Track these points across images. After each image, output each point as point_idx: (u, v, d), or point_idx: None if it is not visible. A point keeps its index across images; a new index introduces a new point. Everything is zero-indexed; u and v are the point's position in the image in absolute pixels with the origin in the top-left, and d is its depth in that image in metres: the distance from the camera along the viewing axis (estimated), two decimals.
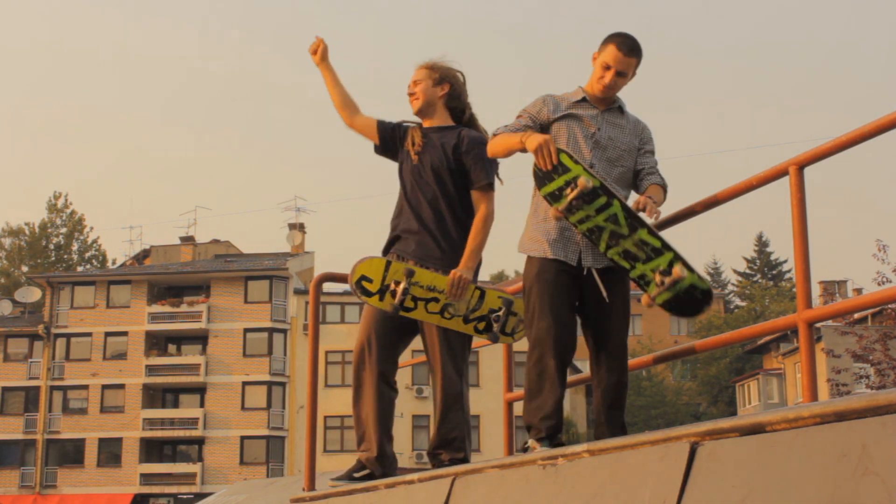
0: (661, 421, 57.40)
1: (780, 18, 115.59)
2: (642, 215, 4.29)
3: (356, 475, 4.81)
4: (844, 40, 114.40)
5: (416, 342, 5.03)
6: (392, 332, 4.88)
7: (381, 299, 4.69)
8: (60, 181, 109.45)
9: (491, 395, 39.18)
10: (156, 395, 49.45)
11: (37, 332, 49.49)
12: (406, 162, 5.04)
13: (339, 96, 5.25)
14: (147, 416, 47.96)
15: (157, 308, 49.10)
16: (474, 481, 3.71)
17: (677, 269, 4.17)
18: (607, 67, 4.42)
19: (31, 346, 50.07)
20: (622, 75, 4.43)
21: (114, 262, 65.42)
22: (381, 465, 4.83)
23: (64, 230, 66.08)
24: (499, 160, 4.91)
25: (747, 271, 77.77)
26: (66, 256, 65.55)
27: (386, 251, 5.02)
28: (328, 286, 6.42)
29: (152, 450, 48.68)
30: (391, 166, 5.21)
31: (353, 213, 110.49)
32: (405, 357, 5.26)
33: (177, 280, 50.28)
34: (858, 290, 49.91)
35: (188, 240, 56.02)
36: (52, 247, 65.63)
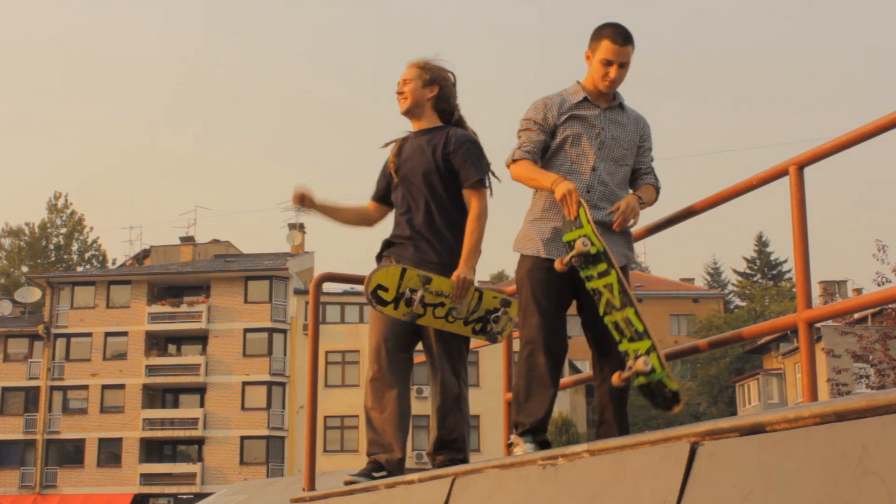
0: (661, 421, 57.34)
1: (780, 18, 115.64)
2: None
3: (375, 475, 4.72)
4: (844, 40, 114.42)
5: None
6: (404, 335, 4.87)
7: (395, 308, 4.66)
8: (60, 181, 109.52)
9: (491, 395, 39.17)
10: (156, 396, 49.45)
11: (37, 332, 49.49)
12: (394, 180, 5.03)
13: (349, 220, 5.23)
14: (147, 416, 47.95)
15: (157, 308, 49.10)
16: (474, 481, 3.71)
17: (640, 363, 4.10)
18: (608, 63, 4.38)
19: (31, 347, 50.07)
20: (624, 66, 4.39)
21: (114, 263, 65.45)
22: (401, 468, 4.81)
23: (64, 230, 66.10)
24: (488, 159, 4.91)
25: (747, 271, 77.75)
26: (66, 256, 65.56)
27: (380, 257, 5.00)
28: (328, 286, 6.43)
29: (152, 450, 48.68)
30: None
31: None
32: None
33: (177, 280, 50.27)
34: (858, 290, 49.92)
35: (188, 240, 56.02)
36: (52, 247, 65.64)
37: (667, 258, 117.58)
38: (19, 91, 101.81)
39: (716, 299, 70.90)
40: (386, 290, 4.65)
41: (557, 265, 4.20)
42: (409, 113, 5.03)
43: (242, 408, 47.74)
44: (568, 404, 49.53)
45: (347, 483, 4.79)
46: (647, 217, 4.93)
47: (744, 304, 72.25)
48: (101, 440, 48.12)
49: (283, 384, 48.20)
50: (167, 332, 49.24)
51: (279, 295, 48.85)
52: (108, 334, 49.18)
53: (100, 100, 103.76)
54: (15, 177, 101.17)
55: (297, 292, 48.65)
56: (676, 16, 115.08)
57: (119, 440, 47.99)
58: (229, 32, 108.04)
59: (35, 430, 48.85)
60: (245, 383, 47.95)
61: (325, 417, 44.59)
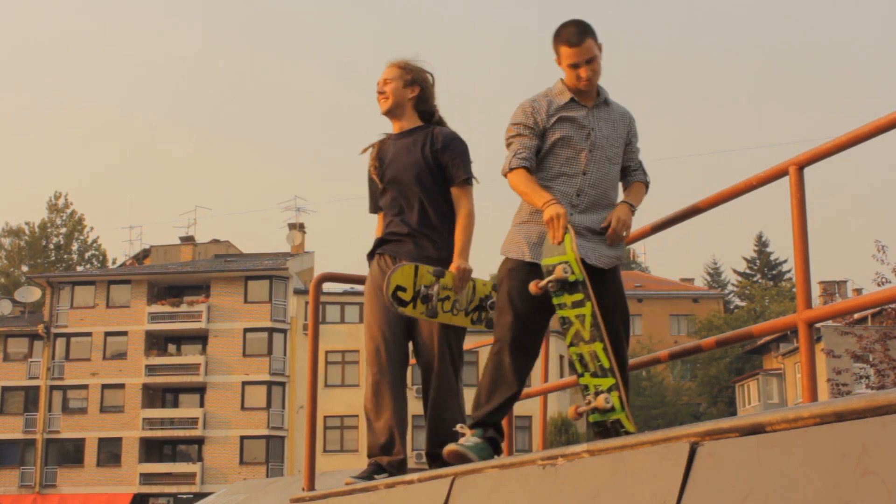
0: (661, 421, 57.37)
1: (780, 19, 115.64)
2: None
3: (377, 478, 4.71)
4: (844, 40, 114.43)
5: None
6: (401, 336, 4.86)
7: (414, 307, 4.64)
8: (60, 181, 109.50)
9: None
10: (155, 395, 49.45)
11: (37, 331, 49.50)
12: (381, 184, 5.01)
13: None
14: (147, 415, 47.96)
15: (156, 308, 49.11)
16: (474, 481, 3.71)
17: (600, 400, 4.05)
18: (575, 66, 4.32)
19: (30, 346, 50.09)
20: (591, 61, 4.32)
21: (114, 262, 65.46)
22: (403, 468, 4.80)
23: (64, 230, 66.11)
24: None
25: (747, 271, 77.74)
26: (65, 256, 65.58)
27: (372, 255, 5.00)
28: (328, 286, 6.43)
29: (152, 449, 48.69)
30: None
31: (353, 213, 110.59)
32: None
33: (177, 280, 50.29)
34: (858, 291, 49.93)
35: (188, 240, 56.04)
36: (52, 247, 65.66)
37: (667, 258, 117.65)
38: (19, 91, 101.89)
39: (716, 299, 70.95)
40: (404, 290, 4.62)
41: (532, 288, 4.13)
42: (390, 113, 5.03)
43: (242, 408, 47.75)
44: (568, 404, 49.49)
45: (348, 485, 4.79)
46: (648, 217, 4.94)
47: (744, 304, 72.25)
48: (100, 440, 48.13)
49: (282, 384, 48.21)
50: (167, 331, 49.24)
51: (279, 295, 48.86)
52: (107, 334, 49.20)
53: (100, 100, 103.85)
54: (15, 177, 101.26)
55: (297, 292, 48.66)
56: (676, 16, 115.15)
57: (119, 440, 48.00)
58: (229, 32, 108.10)
59: (35, 429, 48.86)
60: (245, 383, 47.96)
61: (325, 417, 44.60)
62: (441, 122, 5.07)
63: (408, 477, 4.31)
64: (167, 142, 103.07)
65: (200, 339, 49.17)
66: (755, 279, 76.16)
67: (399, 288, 4.61)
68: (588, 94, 4.40)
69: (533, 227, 4.32)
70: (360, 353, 45.79)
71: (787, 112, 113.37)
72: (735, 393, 55.51)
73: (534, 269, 4.23)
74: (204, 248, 56.18)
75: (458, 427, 4.32)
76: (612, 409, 4.05)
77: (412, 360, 5.03)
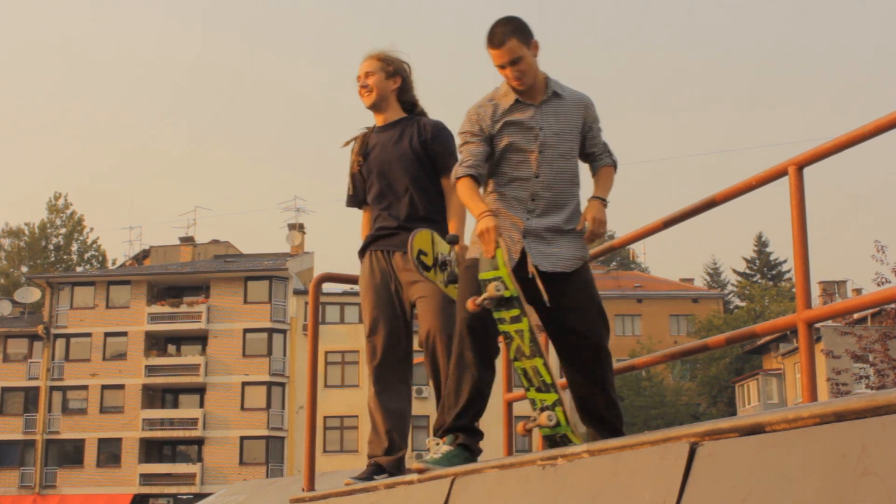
0: (661, 421, 57.35)
1: (780, 19, 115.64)
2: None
3: (377, 479, 4.69)
4: (845, 40, 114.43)
5: (414, 341, 4.98)
6: (403, 335, 4.85)
7: (436, 274, 4.54)
8: (60, 181, 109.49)
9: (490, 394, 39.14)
10: (155, 396, 49.44)
11: (36, 332, 49.49)
12: (366, 179, 4.98)
13: None
14: (147, 416, 47.95)
15: (156, 308, 49.10)
16: (474, 481, 3.71)
17: (543, 418, 4.02)
18: (502, 67, 4.21)
19: (30, 347, 50.07)
20: (516, 62, 4.16)
21: (113, 263, 65.45)
22: (401, 467, 4.79)
23: (63, 230, 66.09)
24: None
25: (747, 271, 77.73)
26: (65, 257, 65.55)
27: (363, 252, 4.97)
28: (328, 286, 6.41)
29: (152, 450, 48.67)
30: None
31: (352, 214, 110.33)
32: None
33: (176, 280, 50.27)
34: (858, 291, 49.91)
35: (188, 240, 56.05)
36: (51, 247, 65.63)
37: (666, 258, 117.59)
38: (19, 91, 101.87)
39: (715, 299, 70.91)
40: (426, 254, 4.54)
41: (470, 305, 4.05)
42: (375, 107, 4.99)
43: (242, 408, 47.74)
44: (567, 404, 49.48)
45: (348, 485, 4.78)
46: (648, 217, 4.94)
47: (743, 304, 72.25)
48: (100, 440, 48.11)
49: (282, 384, 48.19)
50: (167, 332, 49.23)
51: (279, 295, 48.86)
52: (107, 334, 49.18)
53: (100, 100, 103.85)
54: (15, 177, 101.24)
55: (297, 292, 48.64)
56: (676, 16, 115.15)
57: (119, 440, 47.98)
58: (229, 32, 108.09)
59: (35, 430, 48.84)
60: (245, 383, 47.95)
61: (325, 418, 44.59)
62: (423, 113, 5.05)
63: (408, 477, 4.30)
64: (167, 142, 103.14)
65: (200, 339, 49.15)
66: (755, 279, 76.15)
67: (422, 252, 4.52)
68: (532, 92, 4.25)
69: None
70: (359, 354, 45.78)
71: (787, 112, 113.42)
72: (735, 393, 55.50)
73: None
74: (204, 249, 56.18)
75: (428, 441, 4.21)
76: (558, 425, 4.02)
77: (417, 360, 5.00)
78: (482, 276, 4.06)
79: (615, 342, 65.28)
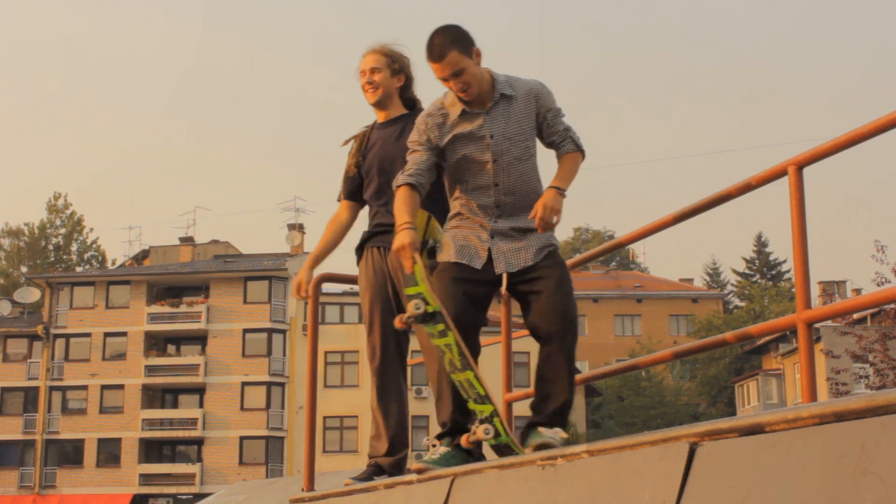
0: (661, 421, 57.39)
1: (780, 19, 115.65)
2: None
3: (376, 479, 4.68)
4: (844, 40, 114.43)
5: (413, 342, 4.97)
6: (402, 335, 4.85)
7: (421, 254, 4.42)
8: (60, 181, 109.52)
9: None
10: (155, 396, 49.45)
11: (36, 332, 49.49)
12: (365, 175, 4.97)
13: (338, 243, 5.13)
14: (146, 416, 47.96)
15: (156, 308, 49.11)
16: (473, 481, 3.71)
17: (480, 432, 3.99)
18: (445, 80, 4.15)
19: (30, 347, 50.08)
20: (459, 74, 4.09)
21: (113, 263, 65.48)
22: (402, 468, 4.79)
23: (63, 230, 66.10)
24: None
25: (746, 271, 77.77)
26: (65, 257, 65.58)
27: (360, 248, 4.96)
28: (327, 286, 6.39)
29: (151, 450, 48.68)
30: None
31: None
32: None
33: (176, 280, 50.28)
34: (857, 291, 49.94)
35: (187, 240, 56.05)
36: (51, 247, 65.65)
37: (666, 258, 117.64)
38: (19, 91, 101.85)
39: (715, 300, 70.96)
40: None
41: (397, 323, 4.06)
42: (379, 104, 4.96)
43: (242, 408, 47.75)
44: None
45: (347, 486, 4.78)
46: (648, 217, 4.94)
47: (743, 304, 72.29)
48: (100, 440, 48.12)
49: (282, 384, 48.20)
50: (166, 332, 49.24)
51: (278, 295, 48.86)
52: (107, 334, 49.19)
53: (100, 100, 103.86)
54: (15, 177, 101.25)
55: None
56: (676, 16, 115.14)
57: (118, 440, 47.99)
58: (229, 32, 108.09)
59: (34, 430, 48.85)
60: (244, 384, 47.95)
61: (325, 418, 44.59)
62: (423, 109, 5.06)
63: (407, 477, 4.30)
64: (167, 142, 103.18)
65: (200, 339, 49.16)
66: (754, 279, 76.21)
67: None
68: (480, 99, 4.18)
69: (462, 229, 4.24)
70: (359, 354, 45.80)
71: (786, 112, 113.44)
72: (734, 393, 55.53)
73: (462, 268, 4.15)
74: (203, 249, 56.18)
75: (426, 440, 4.22)
76: (497, 435, 4.01)
77: (417, 360, 4.99)
78: (406, 291, 4.06)
79: (615, 342, 65.39)
